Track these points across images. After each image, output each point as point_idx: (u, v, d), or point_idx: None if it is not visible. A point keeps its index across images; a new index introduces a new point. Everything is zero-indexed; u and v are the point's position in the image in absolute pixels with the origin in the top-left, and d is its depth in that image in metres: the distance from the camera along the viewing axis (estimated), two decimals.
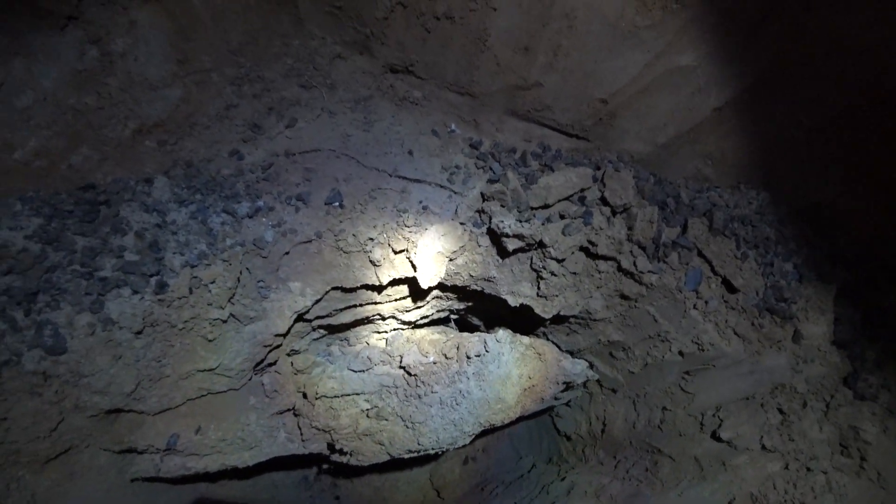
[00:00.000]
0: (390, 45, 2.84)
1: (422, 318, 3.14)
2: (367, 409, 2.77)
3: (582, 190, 2.62)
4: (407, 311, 3.01)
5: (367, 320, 2.93)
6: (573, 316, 2.85)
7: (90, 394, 2.19)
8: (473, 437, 2.94)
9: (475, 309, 3.17)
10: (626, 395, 3.05)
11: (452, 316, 3.31)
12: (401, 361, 2.78)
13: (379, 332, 3.15)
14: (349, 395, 2.71)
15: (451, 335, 2.91)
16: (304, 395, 2.70)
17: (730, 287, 2.63)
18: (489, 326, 3.31)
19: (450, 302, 3.11)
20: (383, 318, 2.98)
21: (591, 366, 3.08)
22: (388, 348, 2.87)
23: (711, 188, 2.86)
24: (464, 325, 3.46)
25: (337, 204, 2.61)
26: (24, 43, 2.10)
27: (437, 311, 3.16)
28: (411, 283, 2.65)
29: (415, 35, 2.76)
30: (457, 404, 2.78)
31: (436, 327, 3.30)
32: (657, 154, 2.86)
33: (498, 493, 3.45)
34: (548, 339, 3.15)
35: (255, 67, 2.83)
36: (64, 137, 2.30)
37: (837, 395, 2.53)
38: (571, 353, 3.16)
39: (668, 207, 2.73)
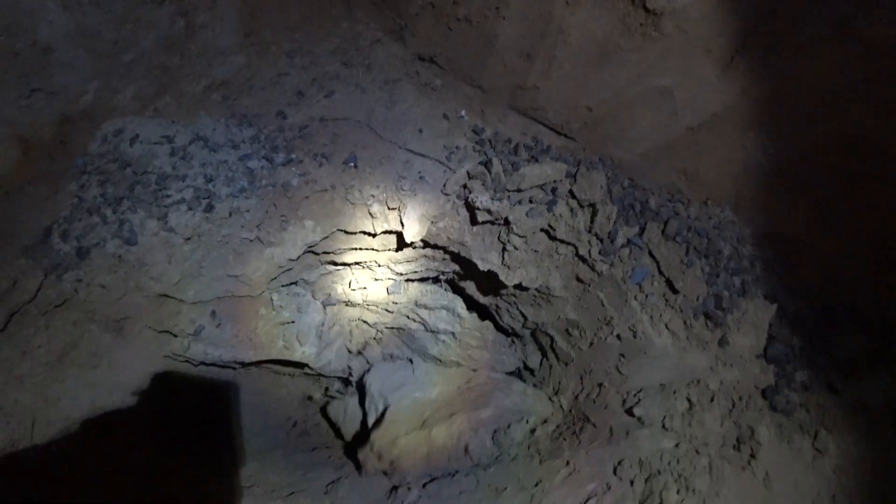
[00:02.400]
0: (420, 36, 3.47)
1: (413, 273, 3.83)
2: None
3: (554, 182, 3.16)
4: (399, 263, 3.71)
5: (365, 265, 3.66)
6: (535, 289, 3.42)
7: (148, 279, 3.08)
8: None
9: (459, 274, 3.82)
10: (577, 370, 3.60)
11: (442, 277, 3.97)
12: None
13: (377, 280, 3.88)
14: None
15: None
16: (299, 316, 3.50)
17: (672, 287, 3.09)
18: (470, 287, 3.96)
19: (437, 263, 3.77)
20: (379, 265, 3.69)
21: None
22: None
23: (681, 200, 3.28)
24: (454, 288, 4.10)
25: (352, 164, 3.31)
26: (134, 13, 2.93)
27: (426, 269, 3.83)
28: (399, 236, 3.33)
29: (440, 31, 3.36)
30: None
31: (425, 284, 3.99)
32: (636, 162, 3.31)
33: None
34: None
35: (307, 43, 3.56)
36: (153, 87, 3.15)
37: (747, 400, 2.95)
38: (537, 326, 3.74)
39: (634, 210, 3.21)
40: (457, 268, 3.78)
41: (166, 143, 3.11)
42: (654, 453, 2.87)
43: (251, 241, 3.19)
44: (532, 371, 4.06)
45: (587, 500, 2.80)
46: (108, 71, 2.95)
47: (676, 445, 2.87)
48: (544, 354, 3.90)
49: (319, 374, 4.03)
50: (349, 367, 4.09)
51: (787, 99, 2.80)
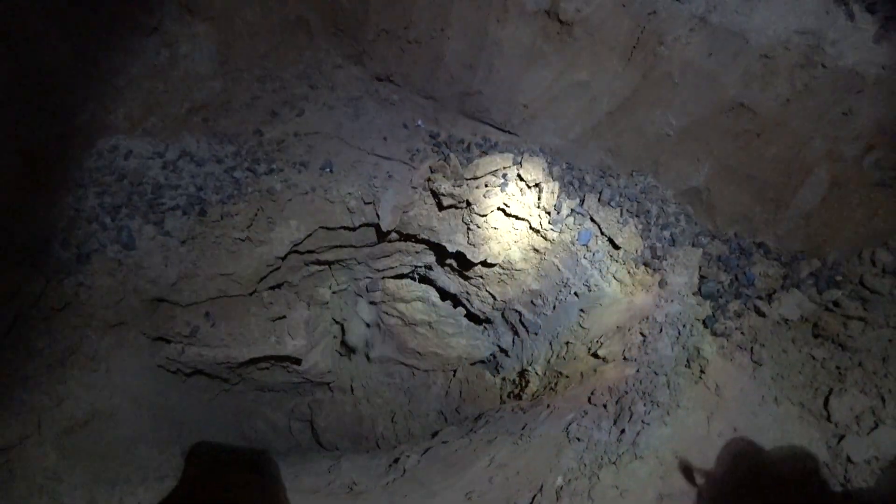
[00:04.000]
0: (376, 60, 4.16)
1: (389, 269, 4.32)
2: None
3: (504, 168, 3.83)
4: (376, 260, 4.19)
5: (344, 263, 4.12)
6: (498, 264, 3.99)
7: (145, 282, 3.40)
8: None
9: (430, 267, 4.35)
10: (545, 337, 4.13)
11: (418, 272, 4.47)
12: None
13: (356, 279, 4.33)
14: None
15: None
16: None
17: (613, 244, 3.75)
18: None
19: (410, 257, 4.29)
20: (358, 263, 4.16)
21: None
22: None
23: (610, 174, 4.02)
24: (424, 280, 4.61)
25: (328, 169, 3.85)
26: (125, 43, 3.44)
27: (401, 265, 4.34)
28: (376, 228, 3.85)
29: (394, 53, 4.06)
30: None
31: (401, 281, 4.47)
32: (570, 147, 4.05)
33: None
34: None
35: (276, 70, 4.16)
36: (141, 109, 3.61)
37: (690, 328, 3.58)
38: (505, 305, 4.28)
39: (573, 185, 3.91)
40: (429, 260, 4.31)
41: (158, 158, 3.55)
42: (620, 380, 3.41)
43: (242, 240, 3.60)
44: (506, 352, 4.55)
45: (568, 425, 3.26)
46: (102, 94, 3.40)
47: (637, 371, 3.42)
48: (515, 332, 4.41)
49: (305, 379, 4.32)
50: (332, 371, 4.42)
51: (678, 80, 3.64)
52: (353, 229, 3.83)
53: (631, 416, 3.19)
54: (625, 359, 3.52)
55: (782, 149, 3.54)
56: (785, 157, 3.54)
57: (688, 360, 3.47)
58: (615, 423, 3.21)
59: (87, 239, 3.27)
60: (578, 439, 3.17)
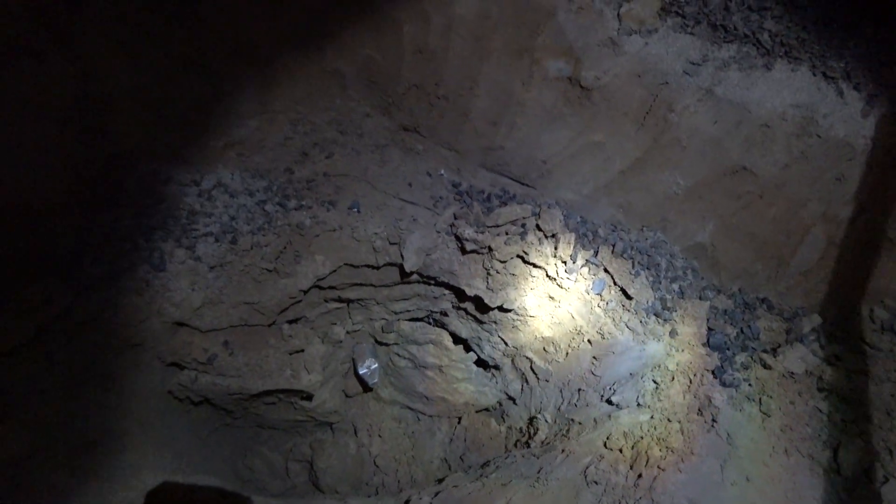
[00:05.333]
0: (404, 111, 4.46)
1: (405, 312, 4.41)
2: None
3: (523, 218, 4.05)
4: (395, 302, 4.29)
5: (363, 303, 4.20)
6: (513, 310, 4.12)
7: (169, 305, 3.44)
8: None
9: (445, 313, 4.46)
10: (556, 385, 4.20)
11: (433, 316, 4.57)
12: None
13: (371, 320, 4.40)
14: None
15: None
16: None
17: (626, 294, 3.93)
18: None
19: (427, 302, 4.40)
20: (377, 303, 4.25)
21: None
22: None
23: (622, 228, 4.27)
24: (438, 324, 4.69)
25: (356, 210, 4.03)
26: (175, 78, 3.68)
27: (417, 308, 4.43)
28: (400, 268, 3.98)
29: (422, 107, 4.37)
30: None
31: (416, 323, 4.55)
32: (583, 202, 4.32)
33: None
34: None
35: (309, 114, 4.42)
36: (183, 139, 3.80)
37: (701, 377, 3.70)
38: (516, 351, 4.37)
39: (587, 237, 4.14)
40: (445, 306, 4.42)
41: (194, 186, 3.70)
42: (635, 425, 3.47)
43: (269, 271, 3.70)
44: (513, 399, 4.57)
45: (586, 468, 3.28)
46: (150, 121, 3.60)
47: (651, 417, 3.50)
48: (525, 379, 4.46)
49: (310, 418, 4.27)
50: (338, 412, 4.39)
51: (685, 142, 3.99)
52: (377, 268, 3.95)
53: (647, 461, 3.23)
54: (638, 405, 3.60)
55: (781, 210, 3.85)
56: (784, 217, 3.85)
57: (699, 409, 3.56)
58: (632, 467, 3.25)
59: (118, 257, 3.34)
60: (596, 482, 3.19)
